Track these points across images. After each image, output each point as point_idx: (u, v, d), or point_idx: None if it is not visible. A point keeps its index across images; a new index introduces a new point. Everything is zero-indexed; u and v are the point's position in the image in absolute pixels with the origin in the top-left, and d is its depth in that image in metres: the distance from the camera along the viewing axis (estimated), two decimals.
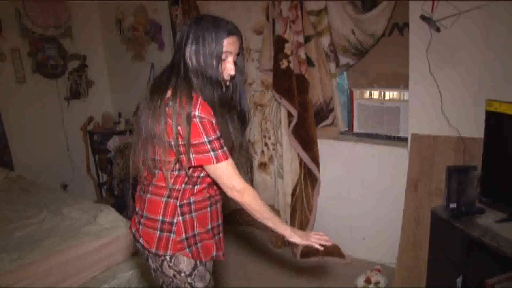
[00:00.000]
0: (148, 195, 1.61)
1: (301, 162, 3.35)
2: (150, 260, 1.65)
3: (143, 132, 1.51)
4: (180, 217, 1.57)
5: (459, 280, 2.08)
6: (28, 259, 2.27)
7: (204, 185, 1.60)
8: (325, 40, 3.19)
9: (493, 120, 2.15)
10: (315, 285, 3.05)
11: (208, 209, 1.63)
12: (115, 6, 4.55)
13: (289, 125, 3.28)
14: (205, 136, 1.43)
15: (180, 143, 1.45)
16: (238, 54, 1.57)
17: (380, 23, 2.89)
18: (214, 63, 1.49)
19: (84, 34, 4.70)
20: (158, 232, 1.59)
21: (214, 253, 1.65)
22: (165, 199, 1.57)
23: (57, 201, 3.08)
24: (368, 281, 2.84)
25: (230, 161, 1.50)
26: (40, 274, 2.25)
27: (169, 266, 1.62)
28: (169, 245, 1.58)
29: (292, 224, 3.44)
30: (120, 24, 4.57)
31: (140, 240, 1.63)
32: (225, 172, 1.50)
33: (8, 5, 4.06)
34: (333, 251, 3.38)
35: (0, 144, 4.11)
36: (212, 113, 1.46)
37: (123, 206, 3.92)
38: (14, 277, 2.18)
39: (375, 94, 3.27)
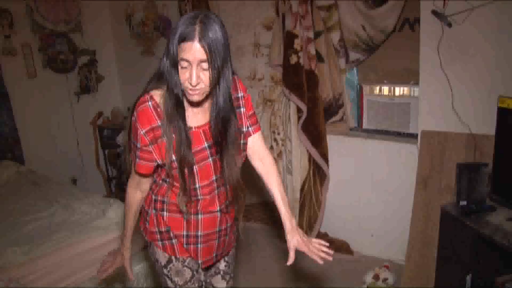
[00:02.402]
0: None
1: (310, 158, 3.35)
2: None
3: None
4: (153, 210, 1.59)
5: (468, 278, 2.06)
6: (39, 252, 2.30)
7: (174, 192, 1.54)
8: (335, 36, 3.17)
9: (505, 117, 2.12)
10: (323, 282, 3.05)
11: (184, 216, 1.56)
12: (125, 1, 4.55)
13: (298, 121, 3.27)
14: (132, 136, 1.47)
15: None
16: (212, 62, 1.30)
17: (390, 18, 2.87)
18: (172, 70, 1.34)
19: (94, 29, 4.72)
20: (143, 217, 1.66)
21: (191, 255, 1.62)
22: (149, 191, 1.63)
23: (67, 195, 3.10)
24: (376, 277, 2.83)
25: (135, 172, 1.53)
26: (50, 267, 2.28)
27: (150, 251, 1.66)
28: (146, 231, 1.63)
29: (300, 220, 3.44)
30: (130, 20, 4.58)
31: None
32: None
33: (19, 1, 4.08)
34: (341, 247, 3.38)
35: (11, 139, 4.15)
36: (151, 122, 1.40)
37: None
38: (26, 269, 2.20)
39: (385, 90, 3.25)
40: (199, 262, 1.63)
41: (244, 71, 3.68)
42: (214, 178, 1.54)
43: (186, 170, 1.45)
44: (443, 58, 2.58)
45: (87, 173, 4.80)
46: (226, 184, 1.57)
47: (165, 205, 1.56)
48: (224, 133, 1.47)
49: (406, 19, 2.92)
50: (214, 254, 1.68)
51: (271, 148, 3.67)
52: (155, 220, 1.59)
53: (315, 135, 3.25)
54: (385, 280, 2.80)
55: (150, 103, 1.40)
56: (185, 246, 1.59)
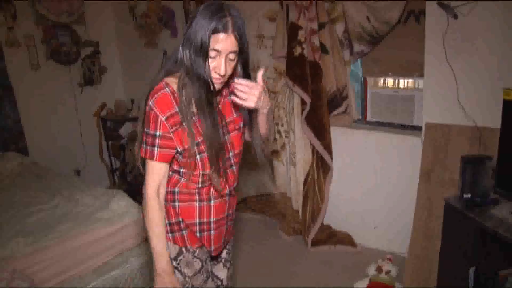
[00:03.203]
0: None
1: (313, 150, 3.34)
2: None
3: None
4: (164, 202, 1.57)
5: (471, 271, 2.06)
6: (42, 244, 2.31)
7: (190, 180, 1.55)
8: (339, 27, 3.15)
9: (511, 109, 2.10)
10: (326, 274, 3.06)
11: (196, 204, 1.57)
12: None
13: (302, 113, 3.26)
14: (146, 128, 1.44)
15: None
16: (238, 52, 1.41)
17: (395, 10, 2.84)
18: (200, 60, 1.37)
19: (97, 21, 4.71)
20: None
21: (202, 243, 1.64)
22: None
23: (70, 187, 3.11)
24: (379, 270, 2.83)
25: (154, 163, 1.46)
26: (54, 258, 2.29)
27: None
28: None
29: (304, 212, 3.44)
30: (133, 11, 4.57)
31: None
32: (146, 168, 1.49)
33: None
34: (344, 239, 3.38)
35: (15, 131, 4.16)
36: (170, 108, 1.40)
37: (135, 192, 3.95)
38: (30, 260, 2.22)
39: (389, 82, 3.23)
40: (211, 249, 1.65)
41: None
42: (231, 154, 1.59)
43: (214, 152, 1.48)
44: (448, 50, 2.55)
45: (91, 165, 4.81)
46: (235, 165, 1.62)
47: (176, 195, 1.56)
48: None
49: (411, 10, 2.88)
50: (223, 240, 1.70)
51: (274, 139, 3.67)
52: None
53: (318, 127, 3.24)
54: (388, 272, 2.80)
55: (167, 89, 1.42)
56: (197, 234, 1.60)
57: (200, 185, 1.55)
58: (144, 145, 1.45)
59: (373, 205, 3.29)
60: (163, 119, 1.40)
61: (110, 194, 2.85)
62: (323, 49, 3.17)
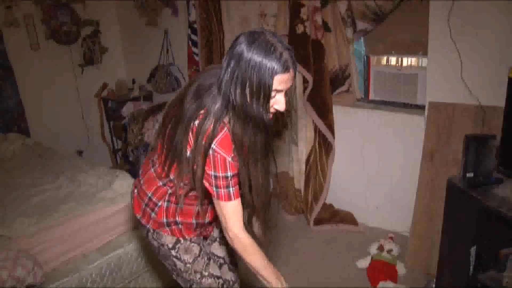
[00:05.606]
0: (152, 170, 1.61)
1: (315, 129, 3.32)
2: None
3: (171, 122, 1.44)
4: (165, 203, 1.58)
5: (472, 250, 2.07)
6: (46, 224, 2.32)
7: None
8: (342, 5, 3.10)
9: None
10: (328, 252, 3.08)
11: (196, 207, 1.58)
12: None
13: (304, 91, 3.24)
14: (213, 171, 1.35)
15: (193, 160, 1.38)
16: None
17: None
18: (260, 102, 1.30)
19: None
20: (144, 205, 1.62)
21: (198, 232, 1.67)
22: (161, 183, 1.57)
23: (73, 167, 3.12)
24: (381, 248, 2.85)
25: (232, 203, 1.40)
26: (58, 238, 2.30)
27: (153, 237, 1.65)
28: (150, 220, 1.62)
29: (306, 192, 3.45)
30: None
31: (132, 202, 1.70)
32: (223, 211, 1.41)
33: None
34: (346, 218, 3.40)
35: (16, 112, 4.15)
36: (232, 149, 1.35)
37: (138, 172, 3.96)
38: (34, 240, 2.23)
39: (393, 60, 3.19)
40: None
41: None
42: None
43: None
44: (453, 28, 2.51)
45: (93, 145, 4.82)
46: None
47: (180, 198, 1.55)
48: None
49: None
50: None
51: (276, 119, 3.65)
52: (164, 212, 1.59)
53: (321, 106, 3.22)
54: (389, 251, 2.82)
55: (227, 131, 1.35)
56: (193, 229, 1.65)
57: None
58: (215, 189, 1.38)
59: (375, 185, 3.30)
60: (230, 159, 1.35)
61: (113, 174, 2.85)
62: (326, 27, 3.13)
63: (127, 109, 4.47)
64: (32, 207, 2.53)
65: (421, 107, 2.93)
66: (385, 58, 3.22)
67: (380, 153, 3.21)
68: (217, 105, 1.34)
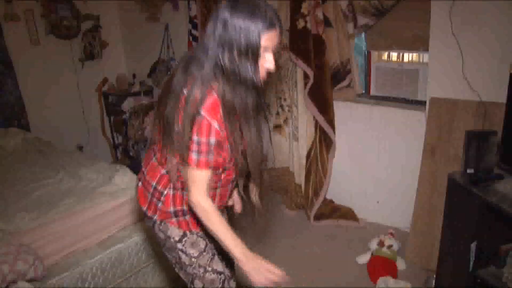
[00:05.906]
0: (154, 159, 1.61)
1: (316, 124, 3.32)
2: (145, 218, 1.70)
3: (163, 101, 1.44)
4: (171, 190, 1.56)
5: (473, 246, 2.07)
6: (47, 218, 2.32)
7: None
8: (343, 0, 3.08)
9: None
10: (328, 248, 3.08)
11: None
12: None
13: (305, 87, 3.23)
14: (196, 136, 1.34)
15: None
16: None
17: None
18: (249, 63, 1.31)
19: None
20: (150, 196, 1.62)
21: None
22: (164, 170, 1.56)
23: (73, 162, 3.11)
24: (381, 244, 2.85)
25: (206, 172, 1.40)
26: (59, 232, 2.30)
27: (159, 229, 1.64)
28: (157, 211, 1.61)
29: (306, 187, 3.45)
30: None
31: (136, 195, 1.68)
32: (193, 176, 1.41)
33: None
34: (347, 214, 3.40)
35: (17, 107, 4.14)
36: (220, 115, 1.34)
37: (138, 167, 3.96)
38: (35, 234, 2.23)
39: (394, 56, 3.18)
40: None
41: None
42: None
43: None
44: (454, 23, 2.51)
45: (93, 140, 4.82)
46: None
47: (173, 176, 1.54)
48: None
49: None
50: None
51: (277, 114, 3.64)
52: (171, 200, 1.58)
53: (321, 101, 3.21)
54: (390, 247, 2.82)
55: (216, 95, 1.34)
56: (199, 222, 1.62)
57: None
58: (197, 155, 1.37)
59: (376, 180, 3.30)
60: (216, 126, 1.35)
61: (113, 169, 2.85)
62: (327, 22, 3.12)
63: (128, 104, 4.46)
64: (32, 202, 2.53)
65: (422, 103, 2.93)
66: (386, 53, 3.22)
67: (380, 149, 3.20)
68: (204, 70, 1.35)
